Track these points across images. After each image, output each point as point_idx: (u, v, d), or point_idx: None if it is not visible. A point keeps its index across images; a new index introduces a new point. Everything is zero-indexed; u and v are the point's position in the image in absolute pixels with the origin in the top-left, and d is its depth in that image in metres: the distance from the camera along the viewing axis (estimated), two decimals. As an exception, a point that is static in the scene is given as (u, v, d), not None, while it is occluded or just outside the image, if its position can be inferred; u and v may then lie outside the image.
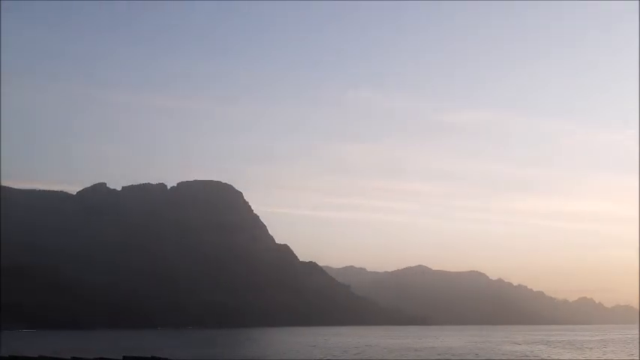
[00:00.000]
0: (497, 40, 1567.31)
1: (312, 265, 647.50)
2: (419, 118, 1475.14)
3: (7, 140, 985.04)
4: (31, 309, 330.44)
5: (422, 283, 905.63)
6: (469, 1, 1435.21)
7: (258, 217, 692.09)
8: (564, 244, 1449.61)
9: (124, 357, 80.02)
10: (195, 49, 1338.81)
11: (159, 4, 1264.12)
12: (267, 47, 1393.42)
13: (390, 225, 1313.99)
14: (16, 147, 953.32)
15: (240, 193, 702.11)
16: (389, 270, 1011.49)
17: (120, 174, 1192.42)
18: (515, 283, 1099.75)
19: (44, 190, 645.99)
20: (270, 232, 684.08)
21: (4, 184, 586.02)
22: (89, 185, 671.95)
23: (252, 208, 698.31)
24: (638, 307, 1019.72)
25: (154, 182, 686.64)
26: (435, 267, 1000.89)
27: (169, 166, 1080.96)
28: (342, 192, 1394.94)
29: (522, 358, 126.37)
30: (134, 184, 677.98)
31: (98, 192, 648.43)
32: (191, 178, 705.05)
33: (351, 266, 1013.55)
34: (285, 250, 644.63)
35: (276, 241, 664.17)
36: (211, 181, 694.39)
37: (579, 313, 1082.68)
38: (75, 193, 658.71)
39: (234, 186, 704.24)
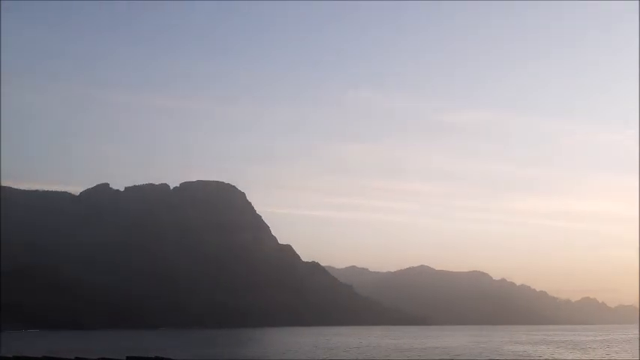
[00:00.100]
0: (497, 40, 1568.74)
1: (314, 266, 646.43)
2: (419, 118, 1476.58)
3: (7, 140, 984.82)
4: (31, 309, 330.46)
5: (424, 283, 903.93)
6: (469, 1, 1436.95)
7: (260, 217, 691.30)
8: (564, 244, 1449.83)
9: (127, 357, 79.87)
10: (195, 49, 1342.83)
11: (159, 4, 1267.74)
12: (267, 47, 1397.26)
13: (390, 225, 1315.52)
14: (16, 147, 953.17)
15: (243, 194, 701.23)
16: (391, 270, 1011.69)
17: (120, 174, 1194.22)
18: (517, 283, 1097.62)
19: (48, 191, 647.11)
20: (272, 232, 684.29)
21: (4, 184, 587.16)
22: (92, 186, 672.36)
23: (255, 208, 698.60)
24: (638, 307, 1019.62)
25: (156, 183, 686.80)
26: (437, 267, 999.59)
27: (169, 167, 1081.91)
28: (342, 192, 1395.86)
29: (525, 358, 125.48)
30: (136, 184, 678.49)
31: (101, 192, 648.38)
32: (191, 179, 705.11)
33: (354, 266, 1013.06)
34: (287, 250, 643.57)
35: (279, 242, 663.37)
36: (214, 182, 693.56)
37: (582, 313, 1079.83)
38: (78, 194, 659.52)
39: (236, 186, 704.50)
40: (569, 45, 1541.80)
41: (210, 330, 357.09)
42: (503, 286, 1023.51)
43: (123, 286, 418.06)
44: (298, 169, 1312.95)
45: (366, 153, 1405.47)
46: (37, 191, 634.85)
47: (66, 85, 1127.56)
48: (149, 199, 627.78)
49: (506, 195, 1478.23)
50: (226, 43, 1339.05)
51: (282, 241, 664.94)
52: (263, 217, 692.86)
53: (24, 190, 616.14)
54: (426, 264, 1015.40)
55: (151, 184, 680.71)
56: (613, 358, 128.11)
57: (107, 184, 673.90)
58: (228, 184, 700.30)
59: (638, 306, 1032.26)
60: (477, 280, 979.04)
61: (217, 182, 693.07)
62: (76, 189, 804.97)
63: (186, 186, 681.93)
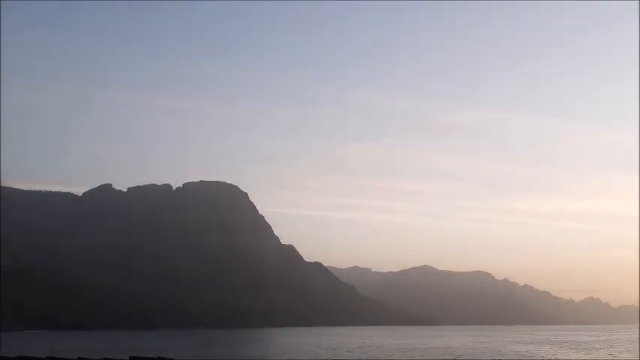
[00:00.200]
0: (497, 40, 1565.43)
1: (317, 266, 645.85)
2: (419, 118, 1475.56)
3: (7, 140, 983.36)
4: (31, 309, 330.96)
5: (427, 284, 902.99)
6: (469, 1, 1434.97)
7: (263, 217, 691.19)
8: (565, 244, 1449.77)
9: (130, 357, 79.93)
10: (195, 49, 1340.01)
11: (159, 4, 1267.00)
12: (267, 47, 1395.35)
13: (390, 225, 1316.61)
14: (16, 147, 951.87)
15: (246, 194, 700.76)
16: (394, 270, 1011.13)
17: (121, 174, 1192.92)
18: (521, 283, 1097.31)
19: (50, 192, 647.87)
20: (275, 232, 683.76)
21: (4, 184, 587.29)
22: (94, 186, 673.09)
23: (257, 208, 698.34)
24: (638, 307, 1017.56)
25: (158, 183, 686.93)
26: (440, 267, 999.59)
27: (170, 167, 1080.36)
28: (342, 192, 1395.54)
29: (528, 358, 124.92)
30: (139, 185, 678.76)
31: (104, 193, 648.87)
32: (190, 179, 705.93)
33: (356, 267, 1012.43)
34: (290, 250, 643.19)
35: (282, 242, 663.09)
36: (216, 182, 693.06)
37: (585, 313, 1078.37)
38: (81, 194, 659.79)
39: (239, 187, 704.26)
40: (569, 45, 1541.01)
41: (212, 330, 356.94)
42: (505, 286, 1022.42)
43: (123, 287, 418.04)
44: (298, 169, 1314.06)
45: (366, 153, 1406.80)
46: (39, 192, 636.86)
47: (66, 85, 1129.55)
48: (152, 199, 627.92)
49: (506, 195, 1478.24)
50: (226, 43, 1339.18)
51: (284, 241, 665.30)
52: (265, 218, 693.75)
53: (24, 190, 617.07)
54: (428, 264, 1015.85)
55: (153, 184, 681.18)
56: (616, 358, 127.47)
57: (110, 185, 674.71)
58: (231, 184, 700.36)
59: (638, 305, 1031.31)
60: (479, 280, 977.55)
61: (219, 182, 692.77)
62: (78, 189, 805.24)
63: (188, 186, 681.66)
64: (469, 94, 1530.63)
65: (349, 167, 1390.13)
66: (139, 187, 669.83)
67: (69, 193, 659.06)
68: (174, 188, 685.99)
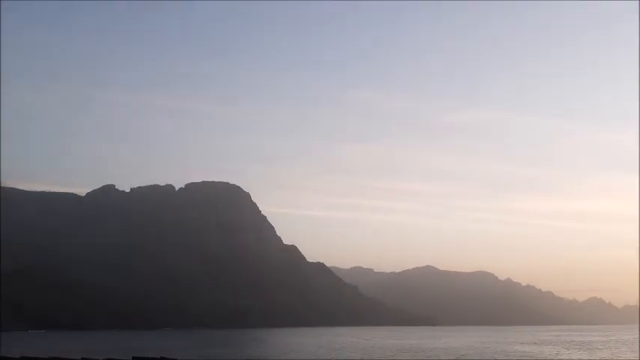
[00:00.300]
0: (497, 40, 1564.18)
1: (319, 266, 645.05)
2: (419, 118, 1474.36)
3: (7, 140, 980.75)
4: (31, 310, 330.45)
5: (430, 284, 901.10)
6: (469, 1, 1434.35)
7: (265, 218, 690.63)
8: (565, 244, 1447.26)
9: (133, 358, 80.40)
10: (195, 49, 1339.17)
11: (159, 4, 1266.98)
12: (267, 47, 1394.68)
13: (390, 225, 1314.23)
14: (16, 147, 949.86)
15: (248, 194, 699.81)
16: (396, 271, 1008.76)
17: (121, 174, 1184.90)
18: (523, 284, 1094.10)
19: (53, 192, 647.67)
20: (277, 232, 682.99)
21: (4, 184, 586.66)
22: (97, 187, 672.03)
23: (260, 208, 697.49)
24: (638, 307, 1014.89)
25: (161, 184, 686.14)
26: (442, 267, 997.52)
27: (170, 167, 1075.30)
28: (342, 192, 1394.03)
29: (531, 358, 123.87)
30: (141, 185, 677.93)
31: (107, 194, 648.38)
32: (191, 179, 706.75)
33: (359, 267, 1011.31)
34: (292, 250, 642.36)
35: (284, 242, 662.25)
36: (219, 182, 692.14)
37: (589, 314, 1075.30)
38: (84, 195, 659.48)
39: (241, 187, 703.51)
40: (569, 45, 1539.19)
41: (212, 330, 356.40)
42: (508, 287, 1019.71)
43: (124, 287, 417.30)
44: (298, 169, 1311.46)
45: (366, 153, 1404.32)
46: (43, 192, 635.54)
47: (66, 85, 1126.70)
48: (154, 200, 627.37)
49: (506, 195, 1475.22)
50: (226, 43, 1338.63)
51: (286, 241, 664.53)
52: (268, 218, 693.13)
53: (24, 191, 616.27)
54: (431, 264, 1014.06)
55: (156, 185, 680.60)
56: (620, 358, 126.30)
57: (113, 186, 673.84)
58: (233, 184, 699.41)
59: (638, 305, 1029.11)
60: (482, 280, 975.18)
61: (222, 183, 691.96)
62: (78, 190, 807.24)
63: (191, 187, 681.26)
64: (469, 94, 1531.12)
65: (349, 167, 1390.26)
66: (142, 188, 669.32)
67: (71, 193, 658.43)
68: (176, 189, 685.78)
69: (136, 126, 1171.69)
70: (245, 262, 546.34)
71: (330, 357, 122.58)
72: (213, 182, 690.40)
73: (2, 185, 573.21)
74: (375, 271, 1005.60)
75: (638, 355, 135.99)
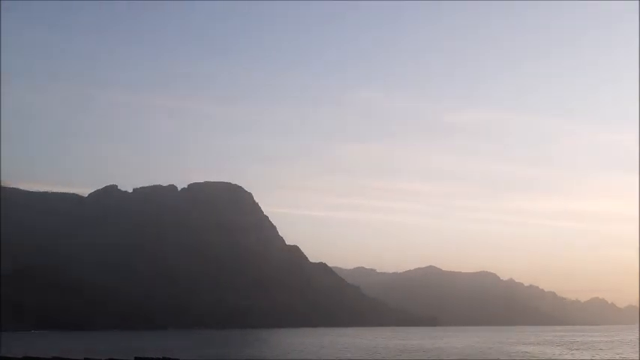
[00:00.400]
0: (497, 40, 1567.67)
1: (322, 266, 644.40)
2: (419, 118, 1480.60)
3: (7, 140, 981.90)
4: (32, 310, 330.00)
5: (432, 284, 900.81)
6: (469, 1, 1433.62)
7: (268, 218, 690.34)
8: (565, 244, 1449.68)
9: (135, 358, 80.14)
10: (195, 49, 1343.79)
11: (159, 4, 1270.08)
12: (267, 47, 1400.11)
13: (390, 225, 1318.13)
14: (16, 147, 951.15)
15: (251, 194, 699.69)
16: (399, 271, 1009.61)
17: (124, 175, 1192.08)
18: (526, 284, 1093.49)
19: (54, 192, 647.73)
20: (280, 233, 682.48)
21: (4, 184, 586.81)
22: (100, 187, 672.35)
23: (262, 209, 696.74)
24: (638, 307, 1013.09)
25: (163, 184, 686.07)
26: (445, 268, 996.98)
27: (172, 168, 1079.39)
28: (342, 192, 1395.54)
29: (535, 359, 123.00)
30: (144, 186, 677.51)
31: (109, 194, 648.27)
32: (192, 180, 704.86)
33: (361, 267, 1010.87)
34: (295, 251, 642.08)
35: (287, 242, 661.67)
36: (221, 183, 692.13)
37: (591, 314, 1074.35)
38: (87, 195, 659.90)
39: (243, 187, 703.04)
40: (569, 45, 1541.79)
41: (212, 330, 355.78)
42: (511, 287, 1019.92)
43: (124, 287, 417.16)
44: (298, 169, 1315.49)
45: (366, 153, 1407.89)
46: (43, 193, 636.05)
47: (66, 85, 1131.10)
48: (157, 200, 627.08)
49: (506, 195, 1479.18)
50: (226, 43, 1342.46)
51: (289, 241, 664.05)
52: (270, 218, 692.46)
53: (24, 191, 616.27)
54: (433, 264, 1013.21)
55: (158, 185, 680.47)
56: (624, 358, 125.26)
57: (115, 186, 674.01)
58: (235, 184, 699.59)
59: (638, 305, 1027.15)
60: (484, 280, 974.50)
61: (224, 183, 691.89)
62: (81, 190, 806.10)
63: (193, 187, 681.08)
64: (469, 94, 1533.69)
65: (349, 167, 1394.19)
66: (144, 189, 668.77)
67: (71, 193, 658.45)
68: (179, 189, 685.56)
69: (136, 126, 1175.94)
70: (246, 262, 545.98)
71: (333, 357, 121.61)
72: (215, 182, 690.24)
73: (2, 185, 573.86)
74: (378, 271, 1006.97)
75: (635, 355, 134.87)
